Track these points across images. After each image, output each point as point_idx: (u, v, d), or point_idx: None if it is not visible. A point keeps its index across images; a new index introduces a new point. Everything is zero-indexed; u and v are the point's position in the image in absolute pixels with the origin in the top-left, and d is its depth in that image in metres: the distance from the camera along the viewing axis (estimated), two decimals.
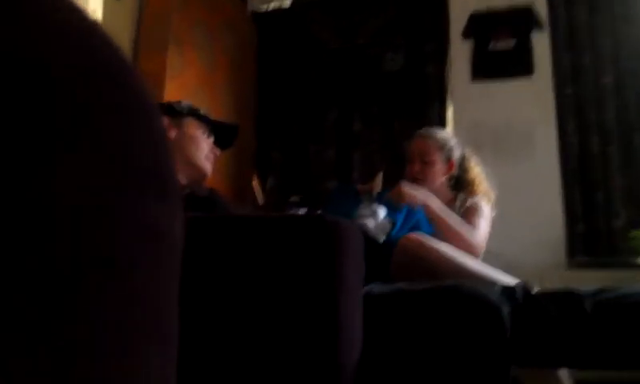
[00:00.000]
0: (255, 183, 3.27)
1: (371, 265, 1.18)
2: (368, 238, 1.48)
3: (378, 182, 1.85)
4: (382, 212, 1.67)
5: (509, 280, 1.29)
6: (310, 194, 3.05)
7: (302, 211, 1.83)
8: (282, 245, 0.83)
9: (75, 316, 0.19)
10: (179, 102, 1.63)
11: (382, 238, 1.56)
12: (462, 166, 1.94)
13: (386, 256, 1.38)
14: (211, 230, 0.86)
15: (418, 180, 1.87)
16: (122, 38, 2.51)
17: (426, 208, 1.68)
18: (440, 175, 1.90)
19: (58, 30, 0.21)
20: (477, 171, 1.94)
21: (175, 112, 1.57)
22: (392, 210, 1.71)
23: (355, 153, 3.04)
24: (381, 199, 1.78)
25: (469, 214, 1.79)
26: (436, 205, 1.69)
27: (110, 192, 0.20)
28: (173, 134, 1.54)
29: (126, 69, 0.23)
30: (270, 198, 3.21)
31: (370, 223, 1.59)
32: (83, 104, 0.20)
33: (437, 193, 1.89)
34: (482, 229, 1.72)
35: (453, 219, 1.68)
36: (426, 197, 1.69)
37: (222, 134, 1.66)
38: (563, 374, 1.28)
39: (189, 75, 2.53)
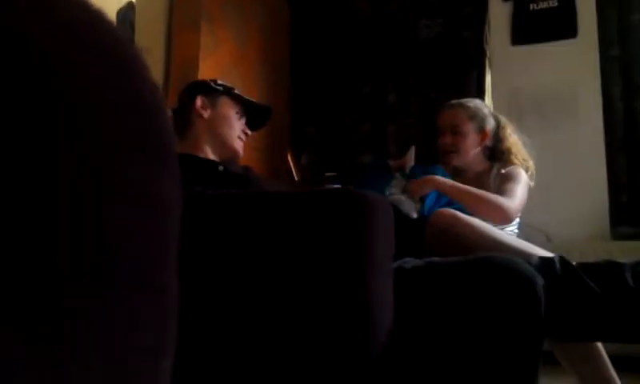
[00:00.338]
0: (290, 159, 3.28)
1: (404, 240, 1.17)
2: (401, 214, 1.47)
3: (410, 157, 1.82)
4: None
5: (547, 254, 1.25)
6: (346, 169, 3.05)
7: (337, 187, 1.82)
8: (309, 219, 0.83)
9: (63, 266, 0.20)
10: (215, 80, 1.64)
11: (414, 214, 1.54)
12: (497, 136, 1.87)
13: (420, 232, 1.36)
14: (239, 206, 0.87)
15: (450, 153, 1.82)
16: (156, 18, 2.55)
17: (438, 188, 1.67)
18: (473, 146, 1.84)
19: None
20: (513, 140, 1.87)
21: (211, 90, 1.59)
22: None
23: (391, 126, 2.99)
24: (413, 175, 1.76)
25: (502, 181, 1.73)
26: (447, 182, 1.67)
27: (97, 153, 0.20)
28: (207, 112, 1.56)
29: (109, 34, 0.23)
30: (306, 174, 3.22)
31: (403, 199, 1.57)
32: (63, 70, 0.20)
33: (471, 164, 1.85)
34: (516, 194, 1.65)
35: (471, 189, 1.64)
36: (433, 179, 1.67)
37: (254, 115, 1.68)
38: (600, 347, 1.25)
39: (222, 53, 2.54)
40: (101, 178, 0.20)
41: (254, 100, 1.66)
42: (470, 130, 1.82)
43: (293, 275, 0.83)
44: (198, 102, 1.57)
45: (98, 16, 0.23)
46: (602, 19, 2.53)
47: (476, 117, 1.84)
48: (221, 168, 1.54)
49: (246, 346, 0.83)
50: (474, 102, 1.94)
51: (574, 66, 2.51)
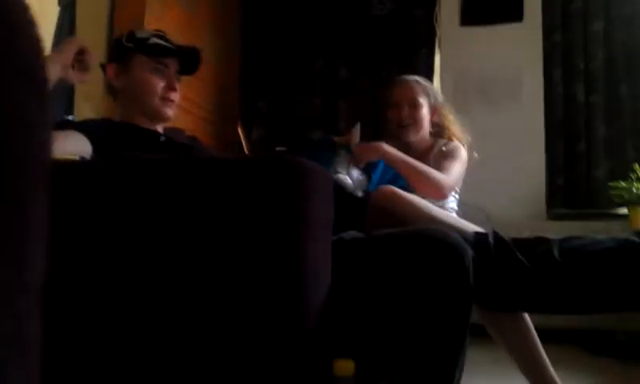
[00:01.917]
0: (241, 132, 3.23)
1: (348, 217, 1.18)
2: (344, 192, 1.48)
3: (356, 134, 1.83)
4: (355, 171, 1.66)
5: (482, 231, 1.30)
6: (297, 143, 3.03)
7: None
8: (246, 184, 0.82)
9: None
10: (132, 34, 1.47)
11: (359, 193, 1.55)
12: (440, 113, 1.94)
13: (362, 208, 1.38)
14: (175, 170, 0.85)
15: (407, 125, 1.86)
16: None
17: (384, 155, 1.69)
18: (427, 120, 1.90)
19: None
20: (451, 118, 1.95)
21: (122, 51, 1.45)
22: (371, 163, 1.70)
23: (341, 102, 3.00)
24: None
25: (443, 157, 1.80)
26: (393, 150, 1.70)
27: None
28: (119, 81, 1.45)
29: None
30: (256, 148, 3.19)
31: (347, 177, 1.58)
32: None
33: (420, 141, 1.89)
34: (453, 170, 1.73)
35: (414, 161, 1.69)
36: (380, 146, 1.71)
37: (186, 60, 1.50)
38: (526, 318, 1.31)
39: (169, 18, 2.45)
40: None
41: (171, 45, 1.46)
42: (425, 103, 1.88)
43: (231, 240, 0.82)
44: (109, 72, 1.46)
45: None
46: (547, 5, 2.60)
47: (429, 92, 1.90)
48: (162, 138, 1.49)
49: (183, 309, 0.82)
50: (424, 79, 2.01)
51: (518, 49, 2.58)
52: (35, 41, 0.25)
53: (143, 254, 0.83)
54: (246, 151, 3.30)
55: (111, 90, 1.50)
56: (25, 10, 0.24)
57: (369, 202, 1.42)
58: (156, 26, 2.36)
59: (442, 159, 1.78)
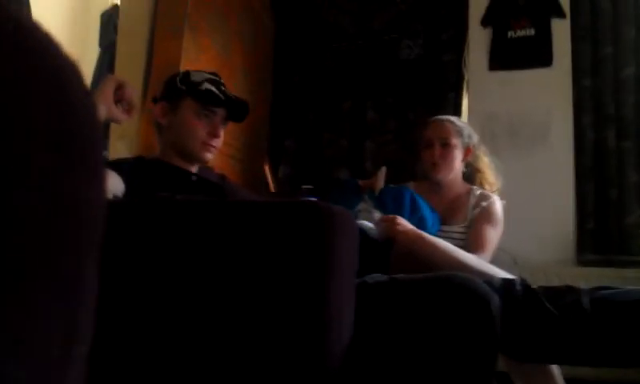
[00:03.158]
0: (267, 170, 3.29)
1: (372, 262, 1.18)
2: (367, 236, 1.48)
3: (381, 178, 1.83)
4: (378, 214, 1.65)
5: (509, 276, 1.28)
6: (323, 182, 3.06)
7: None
8: (274, 229, 0.84)
9: None
10: (187, 74, 1.52)
11: (382, 237, 1.53)
12: (474, 154, 1.93)
13: (386, 253, 1.38)
14: (206, 212, 0.88)
15: (438, 164, 1.85)
16: (140, 22, 2.55)
17: (410, 240, 1.44)
18: (459, 161, 1.88)
19: None
20: (486, 160, 1.93)
21: (174, 91, 1.49)
22: (393, 207, 1.69)
23: (368, 142, 3.03)
24: (381, 196, 1.78)
25: (481, 218, 1.77)
26: (419, 237, 1.44)
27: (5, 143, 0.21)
28: (165, 120, 1.49)
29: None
30: (283, 187, 3.23)
31: (371, 221, 1.58)
32: None
33: (452, 182, 1.89)
34: (491, 242, 1.69)
35: (442, 246, 1.42)
36: (408, 234, 1.46)
37: (234, 109, 1.53)
38: (555, 370, 1.28)
39: (204, 61, 2.55)
40: (8, 167, 0.21)
41: (221, 95, 1.48)
42: (458, 144, 1.87)
43: (256, 283, 0.83)
44: (158, 109, 1.50)
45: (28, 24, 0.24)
46: (576, 50, 2.61)
47: (463, 132, 1.89)
48: (194, 178, 1.52)
49: (206, 352, 0.83)
50: (459, 120, 2.01)
51: (547, 93, 2.58)
52: (96, 125, 0.27)
53: (169, 295, 0.85)
54: (272, 189, 3.35)
55: (157, 126, 1.53)
56: (89, 94, 0.27)
57: (393, 245, 1.42)
58: (192, 67, 2.46)
59: (480, 221, 1.75)
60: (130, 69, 2.47)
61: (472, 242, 1.69)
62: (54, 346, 0.24)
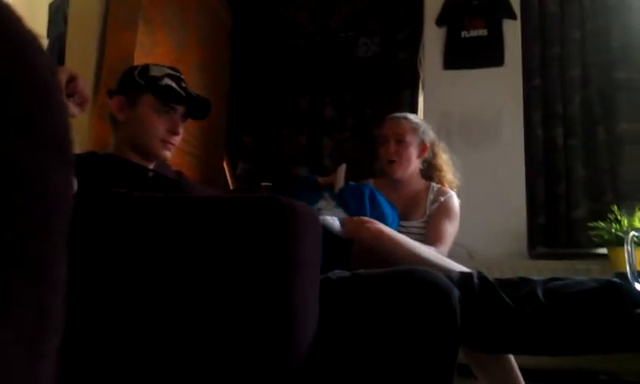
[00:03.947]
0: (226, 167, 3.25)
1: (334, 258, 1.19)
2: (329, 232, 1.48)
3: (340, 176, 1.84)
4: (340, 212, 1.66)
5: (466, 270, 1.31)
6: (282, 180, 3.05)
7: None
8: (236, 225, 0.83)
9: None
10: (145, 67, 1.45)
11: (343, 233, 1.54)
12: (432, 151, 1.96)
13: (347, 249, 1.39)
14: (164, 209, 0.86)
15: (394, 162, 1.87)
16: (91, 13, 2.45)
17: (375, 236, 1.44)
18: (414, 157, 1.91)
19: None
20: (445, 158, 1.97)
21: (132, 85, 1.43)
22: (355, 205, 1.70)
23: (326, 139, 3.04)
24: (342, 194, 1.78)
25: (438, 213, 1.81)
26: (384, 232, 1.45)
27: None
28: (123, 115, 1.42)
29: None
30: (241, 183, 3.20)
31: (331, 218, 1.59)
32: None
33: (410, 179, 1.91)
34: (448, 236, 1.74)
35: (405, 242, 1.44)
36: (371, 229, 1.45)
37: (194, 106, 1.49)
38: (512, 360, 1.32)
39: (159, 54, 2.48)
40: None
41: (183, 92, 1.43)
42: (413, 141, 1.89)
43: (219, 280, 0.82)
44: (115, 103, 1.43)
45: None
46: (526, 51, 2.70)
47: (418, 130, 1.92)
48: (150, 174, 1.48)
49: (166, 348, 0.81)
50: (415, 117, 2.04)
51: (499, 92, 2.66)
52: (62, 105, 0.25)
53: (128, 293, 0.82)
54: (231, 186, 3.31)
55: (112, 120, 1.47)
56: (54, 73, 0.25)
57: (355, 241, 1.43)
58: (146, 61, 2.40)
59: (438, 216, 1.79)
60: (81, 61, 2.37)
61: (430, 236, 1.73)
62: (25, 337, 0.22)
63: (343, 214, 1.66)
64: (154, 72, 1.44)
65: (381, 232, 1.37)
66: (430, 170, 1.98)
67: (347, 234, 1.51)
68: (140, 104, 1.42)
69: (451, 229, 1.78)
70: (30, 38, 0.23)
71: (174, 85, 1.42)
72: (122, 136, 1.45)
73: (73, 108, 1.24)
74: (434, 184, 1.92)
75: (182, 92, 1.43)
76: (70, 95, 1.22)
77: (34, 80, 0.23)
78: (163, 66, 1.50)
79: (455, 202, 1.86)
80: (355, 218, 1.55)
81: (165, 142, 1.44)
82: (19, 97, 0.22)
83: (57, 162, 0.25)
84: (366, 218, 1.51)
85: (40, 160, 0.23)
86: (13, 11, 0.23)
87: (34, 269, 0.23)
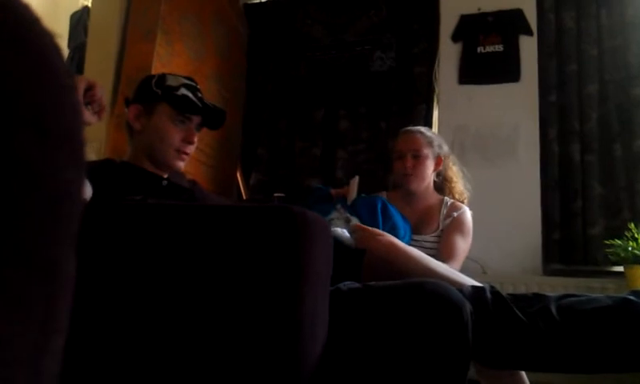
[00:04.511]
0: (240, 178, 3.26)
1: (345, 269, 1.18)
2: (341, 244, 1.48)
3: (353, 188, 1.84)
4: (354, 220, 1.66)
5: (479, 284, 1.30)
6: (295, 190, 3.06)
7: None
8: (247, 234, 0.83)
9: None
10: (162, 77, 1.47)
11: (354, 244, 1.54)
12: (444, 163, 1.97)
13: (359, 261, 1.39)
14: (178, 216, 0.86)
15: (410, 175, 1.88)
16: (111, 24, 2.51)
17: (386, 249, 1.43)
18: (430, 171, 1.92)
19: None
20: (455, 169, 1.99)
21: (148, 95, 1.45)
22: (368, 217, 1.70)
23: (340, 151, 3.04)
24: (355, 206, 1.78)
25: (452, 229, 1.80)
26: (393, 244, 1.44)
27: None
28: (139, 124, 1.45)
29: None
30: (255, 194, 3.21)
31: (344, 229, 1.59)
32: None
33: (424, 192, 1.92)
34: (460, 252, 1.73)
35: (417, 256, 1.43)
36: (381, 240, 1.45)
37: (209, 116, 1.50)
38: (524, 376, 1.30)
39: (176, 65, 2.52)
40: None
41: (199, 103, 1.45)
42: (429, 154, 1.90)
43: (230, 288, 0.82)
44: (132, 112, 1.45)
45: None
46: (543, 67, 2.69)
47: (433, 143, 1.93)
48: (165, 183, 1.49)
49: (174, 354, 0.81)
50: (430, 130, 2.05)
51: (515, 107, 2.64)
52: (77, 106, 0.26)
53: (141, 300, 0.83)
54: (244, 196, 3.33)
55: (128, 128, 1.49)
56: (70, 74, 0.25)
57: (366, 253, 1.42)
58: (163, 72, 2.43)
59: (451, 231, 1.79)
60: (100, 71, 2.42)
61: (443, 251, 1.72)
62: (31, 335, 0.23)
63: (356, 221, 1.66)
64: (171, 82, 1.45)
65: (392, 244, 1.37)
66: (440, 182, 1.98)
67: (357, 240, 1.51)
68: (156, 113, 1.43)
69: (464, 245, 1.77)
70: (47, 37, 0.24)
71: (189, 94, 1.44)
72: (138, 144, 1.47)
73: (90, 116, 1.25)
74: (447, 198, 1.92)
75: (198, 102, 1.44)
76: (88, 103, 1.24)
77: (49, 80, 0.23)
78: (180, 75, 1.53)
79: (468, 217, 1.85)
80: (366, 228, 1.54)
81: (179, 152, 1.45)
82: (33, 96, 0.22)
83: (69, 162, 0.25)
84: (378, 231, 1.51)
85: (52, 159, 0.24)
86: (31, 11, 0.23)
87: (42, 267, 0.24)
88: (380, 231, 1.52)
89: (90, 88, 1.24)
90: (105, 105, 1.28)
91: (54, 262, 0.25)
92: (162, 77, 1.48)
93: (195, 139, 1.48)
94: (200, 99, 1.46)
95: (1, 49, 0.21)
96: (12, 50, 0.21)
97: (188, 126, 1.46)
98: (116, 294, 0.84)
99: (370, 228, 1.53)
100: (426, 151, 1.90)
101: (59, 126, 0.24)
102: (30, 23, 0.23)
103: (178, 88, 1.44)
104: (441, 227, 1.83)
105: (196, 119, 1.48)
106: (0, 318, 0.21)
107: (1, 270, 0.21)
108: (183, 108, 1.43)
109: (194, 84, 1.50)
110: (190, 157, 1.54)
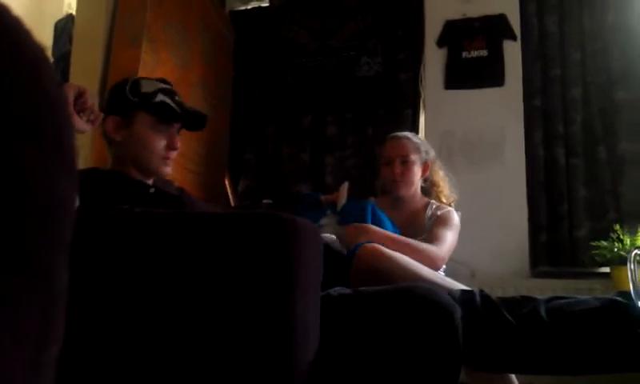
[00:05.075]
0: (227, 184, 3.25)
1: (333, 274, 1.18)
2: (331, 250, 1.48)
3: (343, 194, 1.85)
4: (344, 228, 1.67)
5: (467, 288, 1.31)
6: (283, 196, 3.06)
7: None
8: (237, 241, 0.83)
9: None
10: (136, 83, 1.42)
11: (344, 250, 1.55)
12: (431, 168, 2.00)
13: (348, 266, 1.39)
14: (166, 224, 0.86)
15: (398, 181, 1.90)
16: (96, 32, 2.48)
17: (374, 236, 1.61)
18: (418, 176, 1.95)
19: None
20: (442, 174, 2.02)
21: (125, 104, 1.40)
22: (358, 221, 1.71)
23: (328, 157, 3.05)
24: (345, 211, 1.79)
25: (437, 223, 1.82)
26: (381, 231, 1.66)
27: None
28: (119, 135, 1.41)
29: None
30: (243, 200, 3.20)
31: (333, 235, 1.59)
32: None
33: (412, 197, 1.94)
34: (446, 241, 1.74)
35: (405, 239, 1.67)
36: (369, 227, 1.66)
37: (190, 120, 1.49)
38: (514, 379, 1.30)
39: (162, 73, 2.50)
40: None
41: (178, 108, 1.42)
42: (417, 160, 1.93)
43: (220, 295, 0.82)
44: (110, 124, 1.40)
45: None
46: (527, 71, 2.72)
47: (420, 148, 1.96)
48: (152, 190, 1.48)
49: (165, 363, 0.80)
50: (416, 136, 2.08)
51: (500, 112, 2.67)
52: (68, 116, 0.26)
53: (131, 308, 0.82)
54: (232, 202, 3.31)
55: (107, 139, 1.45)
56: (60, 85, 0.25)
57: (353, 258, 1.43)
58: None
59: (436, 226, 1.81)
60: (85, 79, 2.39)
61: (428, 241, 1.73)
62: (28, 346, 0.22)
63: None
64: (146, 88, 1.42)
65: (380, 251, 1.37)
66: (427, 187, 2.01)
67: (346, 238, 1.57)
68: (136, 123, 1.40)
69: (450, 235, 1.78)
70: (38, 50, 0.24)
71: (168, 101, 1.41)
72: (121, 154, 1.44)
73: (83, 124, 1.23)
74: (433, 201, 1.94)
75: (177, 108, 1.42)
76: (80, 111, 1.21)
77: (41, 91, 0.23)
78: (153, 79, 1.49)
79: (453, 215, 1.87)
80: (356, 225, 1.61)
81: (164, 159, 1.44)
82: (27, 106, 0.22)
83: (62, 170, 0.25)
84: (366, 225, 1.56)
85: (46, 168, 0.23)
86: (22, 24, 0.23)
87: (38, 275, 0.23)
88: (368, 225, 1.57)
89: (80, 95, 1.22)
90: (98, 112, 1.26)
91: (48, 270, 0.25)
92: (136, 83, 1.43)
93: (178, 144, 1.46)
94: (179, 104, 1.44)
95: None
96: (7, 60, 0.21)
97: (170, 131, 1.44)
98: (104, 304, 0.83)
99: (359, 224, 1.58)
100: (414, 157, 1.93)
101: (52, 135, 0.24)
102: (22, 34, 0.23)
103: (154, 94, 1.41)
104: (427, 228, 1.84)
105: (176, 124, 1.46)
106: None
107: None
108: (163, 116, 1.41)
109: (169, 87, 1.47)
110: (177, 164, 1.52)
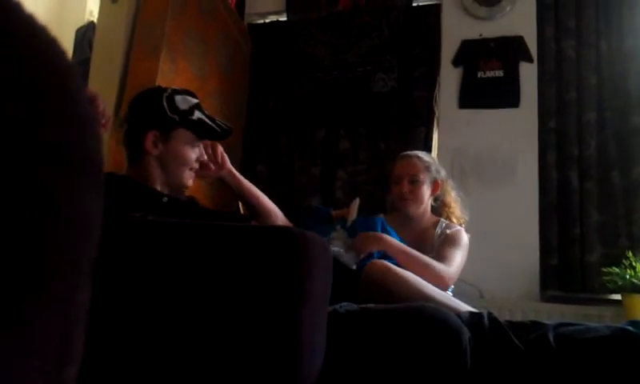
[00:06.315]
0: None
1: (342, 290, 1.19)
2: (340, 264, 1.49)
3: (354, 210, 1.86)
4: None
5: (474, 310, 1.30)
6: (294, 209, 3.06)
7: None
8: (248, 253, 0.84)
9: None
10: (172, 99, 1.44)
11: (353, 266, 1.55)
12: (442, 188, 2.00)
13: (356, 281, 1.39)
14: (178, 234, 0.87)
15: (407, 200, 1.91)
16: (117, 40, 2.53)
17: (385, 245, 1.67)
18: (427, 195, 1.95)
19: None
20: (453, 195, 2.02)
21: (165, 121, 1.44)
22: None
23: (340, 171, 3.05)
24: (354, 227, 1.79)
25: (446, 242, 1.82)
26: (394, 242, 1.70)
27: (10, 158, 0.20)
28: (157, 150, 1.44)
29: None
30: None
31: (343, 250, 1.59)
32: None
33: (422, 216, 1.94)
34: (455, 260, 1.74)
35: (416, 253, 1.70)
36: (382, 236, 1.70)
37: (215, 132, 1.54)
38: None
39: (179, 82, 2.53)
40: (15, 183, 0.20)
41: (214, 125, 1.49)
42: (426, 179, 1.93)
43: (228, 308, 0.82)
44: (149, 139, 1.43)
45: (33, 24, 0.23)
46: (542, 93, 2.71)
47: (430, 168, 1.96)
48: (165, 199, 1.49)
49: (174, 376, 0.81)
50: (427, 155, 2.09)
51: (514, 133, 2.66)
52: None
53: (142, 318, 0.83)
54: (242, 212, 3.32)
55: (134, 149, 1.46)
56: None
57: (362, 275, 1.43)
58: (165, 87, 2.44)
59: (445, 245, 1.81)
60: (104, 86, 2.43)
61: (437, 259, 1.73)
62: (47, 368, 0.23)
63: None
64: (182, 105, 1.45)
65: (388, 268, 1.37)
66: (438, 206, 2.01)
67: (357, 245, 1.61)
68: (174, 138, 1.44)
69: (458, 254, 1.77)
70: (70, 68, 0.24)
71: (206, 120, 1.47)
72: (152, 167, 1.46)
73: None
74: (442, 220, 1.94)
75: (213, 125, 1.48)
76: None
77: (72, 110, 0.24)
78: (184, 92, 1.52)
79: (462, 234, 1.86)
80: (367, 236, 1.65)
81: (192, 170, 1.50)
82: (58, 125, 0.23)
83: (90, 190, 0.25)
84: (378, 234, 1.58)
85: (73, 188, 0.24)
86: (57, 43, 0.24)
87: (59, 296, 0.24)
88: (380, 234, 1.61)
89: (92, 100, 1.25)
90: (109, 116, 1.29)
91: (70, 290, 0.25)
92: (171, 99, 1.45)
93: (205, 156, 1.54)
94: (211, 119, 1.49)
95: (24, 70, 0.21)
96: (36, 67, 0.22)
97: (199, 144, 1.51)
98: (113, 314, 0.83)
99: (370, 232, 1.65)
100: (423, 176, 1.93)
101: (81, 155, 0.24)
102: (56, 54, 0.24)
103: (191, 111, 1.45)
104: (436, 246, 1.84)
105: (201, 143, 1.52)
106: (17, 351, 0.21)
107: (20, 298, 0.21)
108: (203, 134, 1.48)
109: (198, 101, 1.51)
110: None
